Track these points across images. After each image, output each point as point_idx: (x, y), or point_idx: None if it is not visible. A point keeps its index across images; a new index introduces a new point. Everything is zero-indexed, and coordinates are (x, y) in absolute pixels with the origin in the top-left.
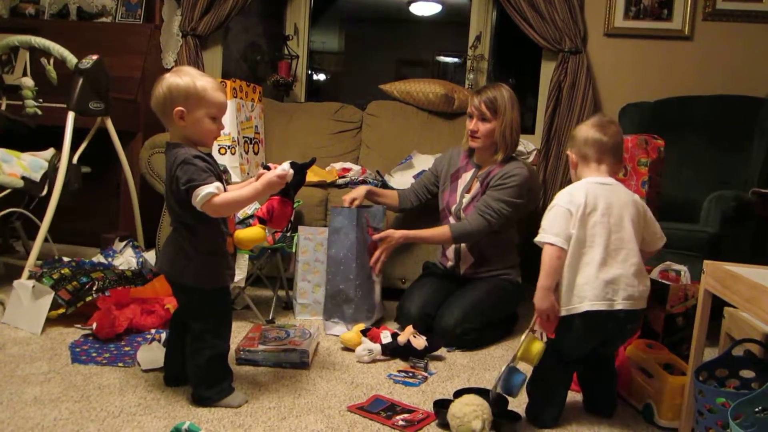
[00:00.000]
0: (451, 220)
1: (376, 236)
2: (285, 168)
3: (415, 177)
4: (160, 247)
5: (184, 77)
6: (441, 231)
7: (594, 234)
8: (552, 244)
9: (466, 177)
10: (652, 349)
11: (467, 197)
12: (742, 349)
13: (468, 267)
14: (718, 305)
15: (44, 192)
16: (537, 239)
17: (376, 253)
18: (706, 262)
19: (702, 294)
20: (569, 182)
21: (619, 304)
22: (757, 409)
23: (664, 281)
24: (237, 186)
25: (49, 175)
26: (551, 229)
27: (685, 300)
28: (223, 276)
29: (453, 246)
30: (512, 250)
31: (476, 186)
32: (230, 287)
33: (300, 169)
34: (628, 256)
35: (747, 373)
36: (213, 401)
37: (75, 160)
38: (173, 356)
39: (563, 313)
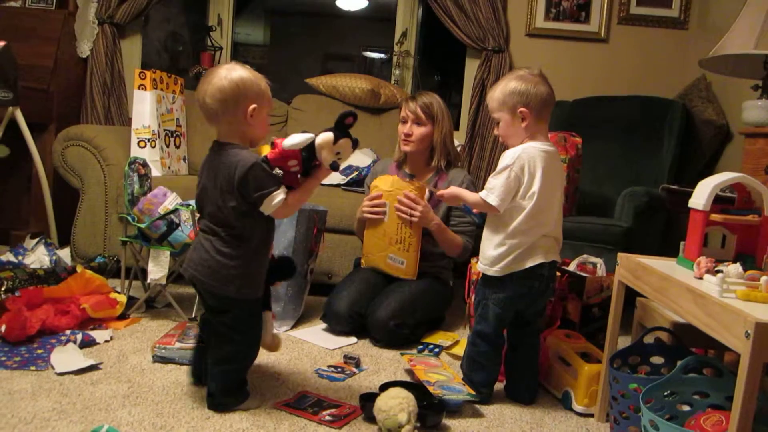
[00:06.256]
0: None
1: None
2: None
3: (341, 173)
4: (76, 243)
5: (249, 72)
6: (457, 238)
7: (541, 203)
8: (494, 206)
9: None
10: (570, 338)
11: None
12: (653, 336)
13: None
14: (631, 296)
15: None
16: (482, 194)
17: (408, 204)
18: (620, 254)
19: (616, 285)
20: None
21: (551, 258)
22: (666, 393)
23: (581, 273)
24: None
25: None
26: (497, 191)
27: (601, 291)
28: (262, 286)
29: None
30: None
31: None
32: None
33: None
34: (558, 219)
35: (657, 360)
36: (231, 407)
37: None
38: (202, 355)
39: (505, 272)
